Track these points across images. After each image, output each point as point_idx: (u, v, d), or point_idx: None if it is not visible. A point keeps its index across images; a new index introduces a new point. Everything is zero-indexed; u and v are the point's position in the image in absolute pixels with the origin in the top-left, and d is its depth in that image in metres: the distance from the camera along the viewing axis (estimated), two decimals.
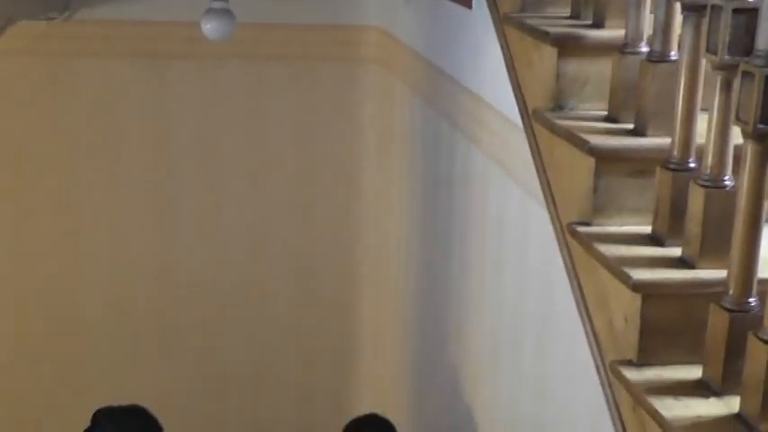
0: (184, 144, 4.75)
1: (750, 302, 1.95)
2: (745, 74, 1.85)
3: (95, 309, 4.78)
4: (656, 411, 1.94)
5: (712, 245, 2.11)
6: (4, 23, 3.54)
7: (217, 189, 4.82)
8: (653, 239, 2.27)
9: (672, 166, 2.20)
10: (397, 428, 4.51)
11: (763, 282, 1.96)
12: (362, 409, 4.99)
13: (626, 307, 2.14)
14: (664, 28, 2.31)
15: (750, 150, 1.89)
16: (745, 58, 1.88)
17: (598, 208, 2.35)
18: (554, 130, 2.50)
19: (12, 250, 4.69)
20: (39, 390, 4.79)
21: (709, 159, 2.09)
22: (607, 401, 2.23)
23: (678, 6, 2.27)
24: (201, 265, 4.89)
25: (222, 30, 3.88)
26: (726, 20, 1.93)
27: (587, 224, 2.36)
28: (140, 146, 4.73)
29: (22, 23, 4.09)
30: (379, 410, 4.83)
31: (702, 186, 2.09)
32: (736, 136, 1.98)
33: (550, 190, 2.57)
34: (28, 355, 4.74)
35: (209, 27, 3.88)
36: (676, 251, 2.19)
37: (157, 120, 4.72)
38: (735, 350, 1.93)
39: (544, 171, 2.61)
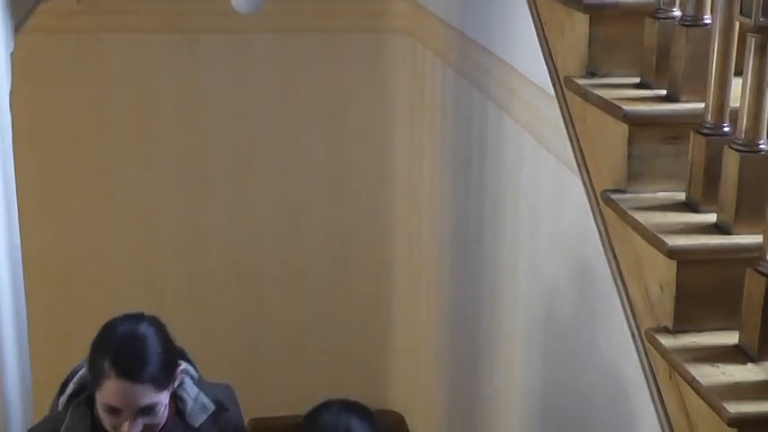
0: (216, 118, 4.75)
1: None
2: None
3: (126, 283, 4.80)
4: (693, 378, 1.94)
5: (748, 210, 2.09)
6: (35, 1, 3.55)
7: (249, 162, 4.83)
8: (687, 205, 2.25)
9: (706, 131, 2.19)
10: (432, 400, 4.53)
11: None
12: (395, 379, 5.01)
13: (661, 274, 2.13)
14: None
15: None
16: None
17: (632, 175, 2.34)
18: (587, 97, 2.49)
19: (46, 226, 4.72)
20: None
21: (744, 123, 2.07)
22: (643, 369, 2.23)
23: None
24: (235, 237, 4.90)
25: (252, 3, 3.87)
26: None
27: (621, 191, 2.35)
28: (172, 121, 4.74)
29: (53, 1, 4.10)
30: (411, 383, 4.85)
31: (737, 151, 2.07)
32: None
33: (584, 158, 2.56)
34: (61, 327, 4.78)
35: (239, 0, 3.88)
36: (711, 217, 2.18)
37: (188, 95, 4.73)
38: None
39: (577, 139, 2.60)
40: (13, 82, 3.12)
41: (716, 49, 2.15)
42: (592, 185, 2.51)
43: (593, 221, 2.51)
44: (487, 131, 3.61)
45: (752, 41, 2.02)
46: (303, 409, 2.44)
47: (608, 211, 2.38)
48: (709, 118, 2.18)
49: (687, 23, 2.31)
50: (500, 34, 3.40)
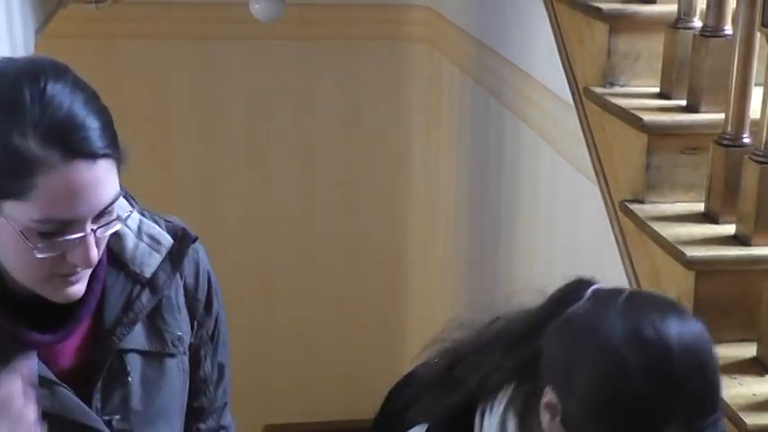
0: (233, 125, 4.76)
1: None
2: None
3: None
4: None
5: (767, 221, 2.08)
6: (55, 6, 3.57)
7: (265, 168, 4.84)
8: (706, 216, 2.24)
9: (725, 142, 2.18)
10: None
11: None
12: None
13: (679, 285, 2.12)
14: (717, 2, 2.28)
15: None
16: None
17: (651, 185, 2.33)
18: (606, 107, 2.48)
19: None
20: None
21: (764, 135, 2.06)
22: None
23: None
24: (250, 243, 4.91)
25: (270, 10, 3.88)
26: None
27: (640, 201, 2.34)
28: (189, 128, 4.75)
29: (72, 7, 4.11)
30: None
31: (757, 162, 2.07)
32: None
33: (602, 167, 2.55)
34: None
35: (258, 8, 3.89)
36: (730, 228, 2.17)
37: (205, 101, 4.74)
38: None
39: (595, 148, 2.59)
40: None
41: (736, 60, 2.15)
42: (610, 195, 2.50)
43: (610, 231, 2.50)
44: (505, 140, 3.60)
45: None
46: (315, 416, 2.43)
47: (626, 222, 2.37)
48: (729, 129, 2.17)
49: (708, 34, 2.30)
50: (518, 43, 3.40)
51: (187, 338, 1.66)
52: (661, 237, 2.17)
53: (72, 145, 1.38)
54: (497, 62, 3.59)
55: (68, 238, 1.41)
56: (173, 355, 1.63)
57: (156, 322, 1.61)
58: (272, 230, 4.92)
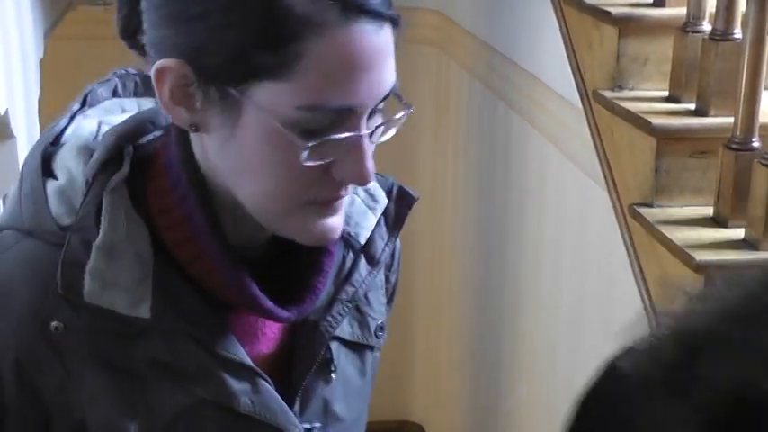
0: None
1: None
2: None
3: None
4: None
5: None
6: (64, 9, 3.57)
7: None
8: (715, 220, 2.24)
9: (734, 146, 2.17)
10: (453, 412, 4.52)
11: None
12: (416, 390, 4.99)
13: None
14: (727, 5, 2.28)
15: None
16: None
17: (659, 189, 2.32)
18: (614, 110, 2.48)
19: None
20: None
21: None
22: None
23: None
24: None
25: None
26: None
27: (648, 205, 2.34)
28: None
29: (80, 9, 4.11)
30: (432, 394, 4.84)
31: (766, 166, 2.06)
32: None
33: (610, 171, 2.55)
34: None
35: None
36: (739, 232, 2.16)
37: None
38: None
39: (604, 152, 2.59)
40: (42, 89, 3.14)
41: (746, 64, 2.14)
42: (618, 199, 2.50)
43: (618, 235, 2.50)
44: (512, 144, 3.60)
45: None
46: None
47: (635, 225, 2.37)
48: (738, 133, 2.17)
49: (717, 38, 2.30)
50: (527, 46, 3.40)
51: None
52: (670, 240, 2.17)
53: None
54: (506, 65, 3.59)
55: (341, 136, 1.03)
56: (373, 349, 1.33)
57: (359, 304, 1.26)
58: None
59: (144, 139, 1.13)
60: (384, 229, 1.26)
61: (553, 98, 3.09)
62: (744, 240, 2.14)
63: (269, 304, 1.12)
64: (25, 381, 1.10)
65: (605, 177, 2.58)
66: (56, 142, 1.16)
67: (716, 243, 2.14)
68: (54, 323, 1.07)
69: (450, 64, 4.39)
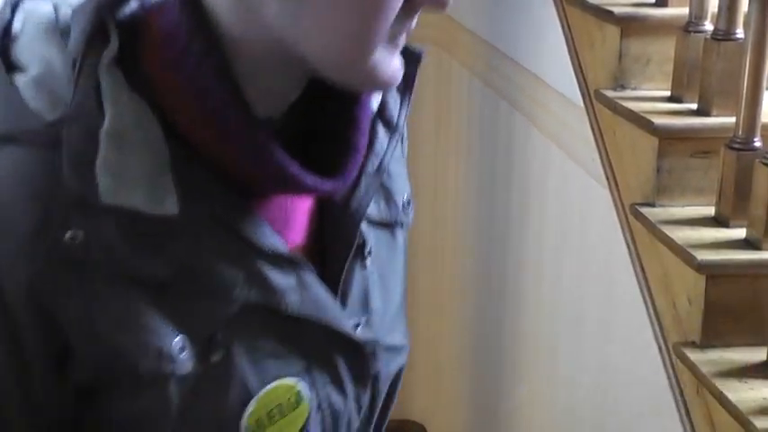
0: None
1: None
2: None
3: None
4: (721, 393, 1.92)
5: None
6: None
7: None
8: (717, 220, 2.24)
9: (736, 146, 2.18)
10: (454, 412, 4.52)
11: None
12: (417, 390, 5.00)
13: (690, 288, 2.12)
14: (729, 5, 2.28)
15: None
16: None
17: (661, 189, 2.33)
18: (616, 110, 2.48)
19: None
20: None
21: None
22: (670, 384, 2.22)
23: None
24: None
25: None
26: None
27: (650, 205, 2.34)
28: None
29: None
30: (433, 394, 4.84)
31: (767, 166, 2.07)
32: None
33: (612, 171, 2.56)
34: None
35: None
36: (741, 232, 2.17)
37: None
38: None
39: (606, 152, 2.60)
40: None
41: (748, 64, 2.15)
42: (620, 198, 2.50)
43: (620, 234, 2.50)
44: (514, 143, 3.60)
45: None
46: None
47: (636, 225, 2.37)
48: (739, 133, 2.17)
49: (719, 38, 2.30)
50: (529, 46, 3.40)
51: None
52: (672, 240, 2.18)
53: None
54: (508, 65, 3.59)
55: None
56: (402, 225, 1.22)
57: (382, 178, 1.14)
58: None
59: (121, 13, 0.95)
60: (395, 91, 1.14)
61: (555, 97, 3.09)
62: (745, 240, 2.14)
63: (310, 179, 0.96)
64: (41, 308, 0.90)
65: (607, 177, 2.59)
66: (6, 36, 0.95)
67: (717, 243, 2.15)
68: (68, 234, 0.89)
69: (452, 63, 4.39)
